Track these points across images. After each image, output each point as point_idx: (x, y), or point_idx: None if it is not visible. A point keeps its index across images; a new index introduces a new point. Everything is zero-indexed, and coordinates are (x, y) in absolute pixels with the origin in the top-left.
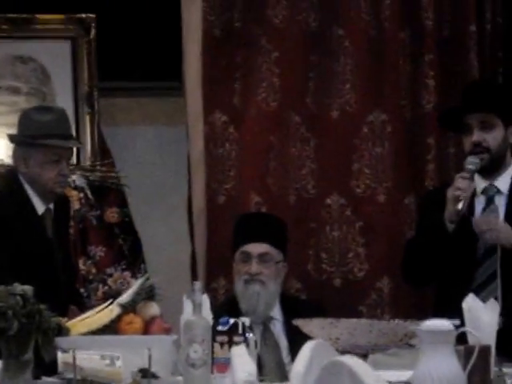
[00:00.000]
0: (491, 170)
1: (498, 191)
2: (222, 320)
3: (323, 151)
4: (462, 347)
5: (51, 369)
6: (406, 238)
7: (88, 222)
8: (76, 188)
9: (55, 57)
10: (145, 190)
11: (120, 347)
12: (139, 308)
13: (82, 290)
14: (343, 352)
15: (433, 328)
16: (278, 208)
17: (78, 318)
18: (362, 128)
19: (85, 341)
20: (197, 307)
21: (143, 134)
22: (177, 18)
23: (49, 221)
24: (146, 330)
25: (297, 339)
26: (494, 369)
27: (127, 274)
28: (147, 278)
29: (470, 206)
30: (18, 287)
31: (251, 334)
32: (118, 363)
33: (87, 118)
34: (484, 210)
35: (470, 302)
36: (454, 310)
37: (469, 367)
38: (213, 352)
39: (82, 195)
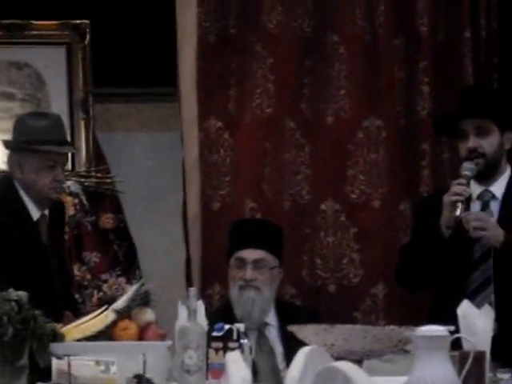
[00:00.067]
0: (486, 175)
1: (493, 196)
2: (216, 326)
3: (318, 157)
4: (456, 353)
5: (46, 374)
6: (401, 243)
7: (83, 228)
8: (71, 194)
9: (50, 63)
10: (140, 195)
11: (115, 353)
12: (134, 314)
13: (76, 296)
14: (338, 358)
15: (427, 334)
16: (273, 214)
17: (73, 324)
18: (356, 134)
19: (79, 347)
20: (192, 313)
21: (138, 140)
22: (172, 23)
23: (44, 227)
24: (141, 336)
25: (292, 345)
26: (488, 374)
27: (122, 279)
28: (142, 284)
29: (466, 211)
30: (13, 293)
31: (246, 340)
32: (113, 369)
33: (82, 123)
34: None
35: (465, 308)
36: (449, 316)
37: (464, 373)
38: (207, 358)
39: (76, 201)
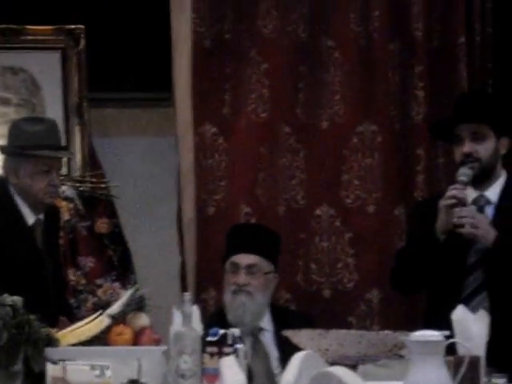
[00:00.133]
0: (482, 180)
1: (488, 202)
2: (211, 331)
3: (313, 162)
4: (451, 358)
5: (41, 380)
6: (396, 248)
7: (78, 233)
8: (66, 199)
9: (45, 68)
10: (135, 200)
11: (110, 358)
12: (129, 319)
13: (71, 301)
14: (332, 363)
15: (422, 339)
16: (268, 219)
17: (68, 329)
18: (351, 139)
19: (74, 352)
20: (186, 318)
21: (133, 145)
22: (166, 28)
23: (39, 231)
24: (136, 340)
25: (287, 350)
26: (483, 379)
27: (117, 284)
28: (137, 289)
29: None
30: (8, 298)
31: (241, 345)
32: (108, 373)
33: (77, 128)
34: None
35: (460, 313)
36: (443, 321)
37: (458, 378)
38: (202, 363)
39: (72, 206)
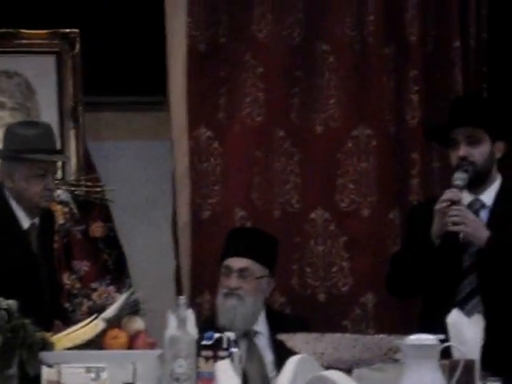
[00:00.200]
0: (477, 184)
1: (483, 206)
2: (206, 334)
3: (308, 166)
4: (446, 362)
5: (36, 383)
6: (391, 252)
7: (73, 237)
8: (61, 202)
9: (40, 72)
10: (129, 204)
11: (105, 362)
12: (124, 323)
13: (66, 305)
14: (328, 367)
15: (417, 342)
16: (263, 222)
17: (63, 333)
18: (346, 143)
19: (69, 355)
20: (181, 322)
21: (128, 149)
22: (161, 32)
23: (34, 235)
24: (131, 344)
25: (282, 354)
26: (478, 383)
27: (112, 288)
28: (132, 293)
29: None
30: (3, 302)
31: (236, 349)
32: (104, 375)
33: (72, 132)
34: None
35: (455, 317)
36: (438, 325)
37: (453, 382)
38: (197, 366)
39: (66, 210)
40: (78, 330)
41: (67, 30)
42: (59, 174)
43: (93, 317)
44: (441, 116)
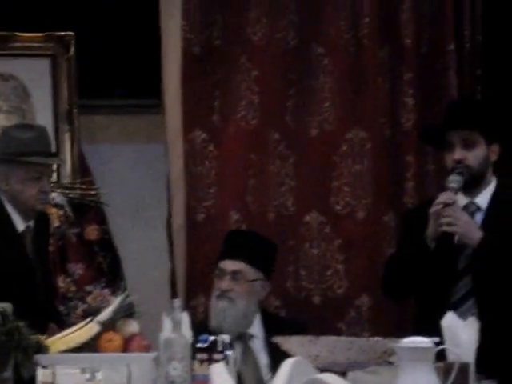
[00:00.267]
0: (471, 186)
1: (478, 208)
2: (201, 337)
3: (302, 168)
4: (441, 364)
5: None
6: (386, 255)
7: (67, 240)
8: (56, 205)
9: (35, 75)
10: (124, 207)
11: (100, 365)
12: (119, 325)
13: (61, 308)
14: (322, 369)
15: (412, 345)
16: (258, 225)
17: (58, 336)
18: (341, 145)
19: (64, 358)
20: (176, 325)
21: (123, 152)
22: (156, 35)
23: (29, 238)
24: (126, 347)
25: (277, 356)
26: None
27: (107, 291)
28: (126, 296)
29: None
30: None
31: (231, 352)
32: (99, 376)
33: (67, 135)
34: None
35: (450, 320)
36: (433, 327)
37: None
38: (192, 369)
39: (61, 213)
40: (72, 332)
41: (62, 33)
42: (54, 177)
43: (87, 320)
44: (435, 119)
